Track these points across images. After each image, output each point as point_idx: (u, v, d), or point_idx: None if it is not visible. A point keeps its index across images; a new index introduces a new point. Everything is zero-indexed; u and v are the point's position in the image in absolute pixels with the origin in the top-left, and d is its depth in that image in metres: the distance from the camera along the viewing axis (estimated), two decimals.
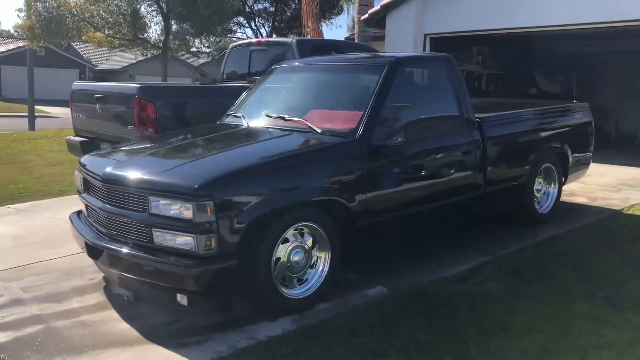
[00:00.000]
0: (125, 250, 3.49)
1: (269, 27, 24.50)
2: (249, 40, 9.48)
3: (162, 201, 3.33)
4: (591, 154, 6.62)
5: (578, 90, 14.76)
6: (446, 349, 3.25)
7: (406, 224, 4.36)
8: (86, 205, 4.06)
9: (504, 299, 3.99)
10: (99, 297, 4.03)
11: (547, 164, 5.80)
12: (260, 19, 23.97)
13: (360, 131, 3.99)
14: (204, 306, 3.41)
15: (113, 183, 3.63)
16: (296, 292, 3.71)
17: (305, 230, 3.72)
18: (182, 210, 3.25)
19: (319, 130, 4.07)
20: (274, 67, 5.37)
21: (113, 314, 3.75)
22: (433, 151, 4.47)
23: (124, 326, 3.56)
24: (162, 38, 19.01)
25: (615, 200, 7.11)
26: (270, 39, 8.67)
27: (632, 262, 4.80)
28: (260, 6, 23.72)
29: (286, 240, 3.62)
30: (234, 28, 22.05)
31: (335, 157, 3.84)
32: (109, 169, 3.71)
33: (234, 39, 23.77)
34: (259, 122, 4.62)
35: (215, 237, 3.23)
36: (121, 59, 41.30)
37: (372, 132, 3.99)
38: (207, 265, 3.22)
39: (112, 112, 6.37)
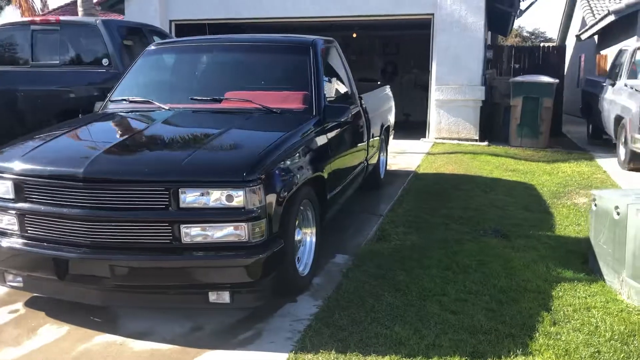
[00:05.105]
0: (140, 257, 3.02)
1: None
2: (28, 18, 7.88)
3: (195, 192, 2.98)
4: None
5: None
6: (449, 284, 3.79)
7: (344, 192, 4.66)
8: (23, 216, 3.20)
9: (431, 245, 4.68)
10: (62, 325, 3.28)
11: (382, 135, 6.72)
12: None
13: (314, 110, 4.14)
14: (248, 298, 3.16)
15: (107, 181, 3.04)
16: (300, 270, 3.72)
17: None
18: (228, 198, 2.98)
19: (278, 111, 4.07)
20: (153, 47, 4.88)
21: (111, 337, 3.16)
22: (352, 123, 4.85)
23: (146, 344, 3.07)
24: None
25: (403, 164, 8.53)
26: (62, 17, 7.40)
27: (469, 206, 6.07)
28: None
29: None
30: None
31: (311, 134, 3.92)
32: (92, 166, 3.05)
33: None
34: (182, 105, 4.26)
35: (265, 222, 3.07)
36: None
37: (322, 109, 4.18)
38: (261, 253, 3.05)
39: None
